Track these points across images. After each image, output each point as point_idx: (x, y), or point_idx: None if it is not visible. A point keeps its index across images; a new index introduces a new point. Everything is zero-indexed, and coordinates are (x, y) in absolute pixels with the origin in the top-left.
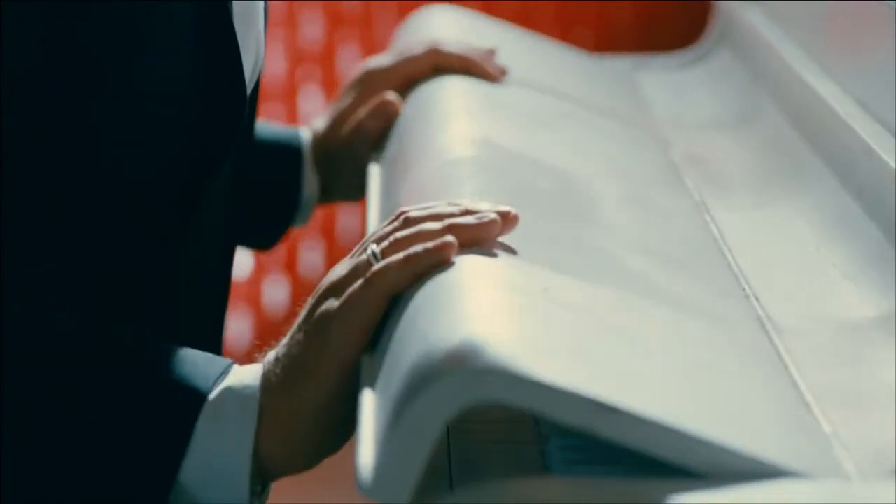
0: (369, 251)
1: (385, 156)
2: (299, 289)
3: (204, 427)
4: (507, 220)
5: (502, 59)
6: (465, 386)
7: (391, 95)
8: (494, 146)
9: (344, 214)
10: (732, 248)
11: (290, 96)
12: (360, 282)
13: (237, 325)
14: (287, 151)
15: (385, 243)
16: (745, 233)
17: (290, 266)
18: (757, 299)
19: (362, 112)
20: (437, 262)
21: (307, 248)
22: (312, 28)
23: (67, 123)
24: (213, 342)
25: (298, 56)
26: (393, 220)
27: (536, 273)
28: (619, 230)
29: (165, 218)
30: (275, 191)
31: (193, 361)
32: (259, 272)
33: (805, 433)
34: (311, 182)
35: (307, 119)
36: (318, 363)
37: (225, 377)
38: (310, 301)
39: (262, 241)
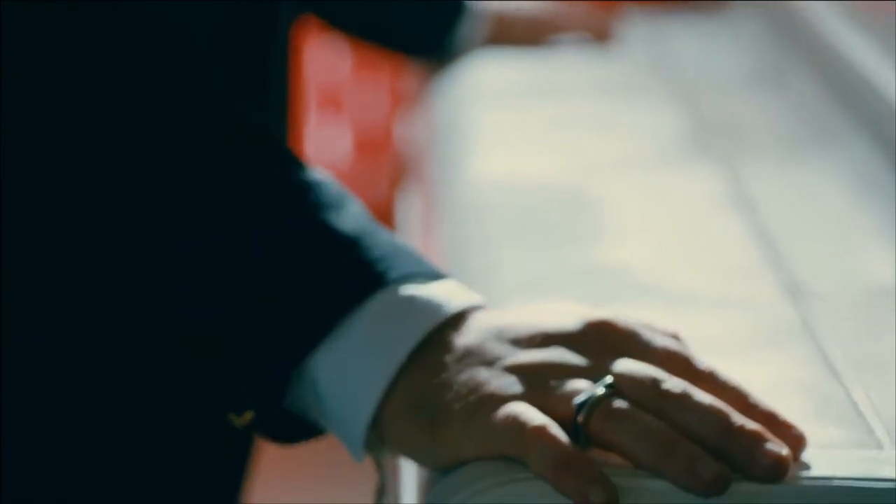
0: (581, 413)
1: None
2: None
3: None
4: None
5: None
6: None
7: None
8: (501, 185)
9: None
10: (761, 211)
11: None
12: (550, 450)
13: None
14: None
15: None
16: (775, 196)
17: None
18: (786, 264)
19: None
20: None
21: None
22: None
23: None
24: None
25: None
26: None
27: None
28: (633, 239)
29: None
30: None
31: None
32: None
33: (835, 403)
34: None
35: None
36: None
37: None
38: (507, 354)
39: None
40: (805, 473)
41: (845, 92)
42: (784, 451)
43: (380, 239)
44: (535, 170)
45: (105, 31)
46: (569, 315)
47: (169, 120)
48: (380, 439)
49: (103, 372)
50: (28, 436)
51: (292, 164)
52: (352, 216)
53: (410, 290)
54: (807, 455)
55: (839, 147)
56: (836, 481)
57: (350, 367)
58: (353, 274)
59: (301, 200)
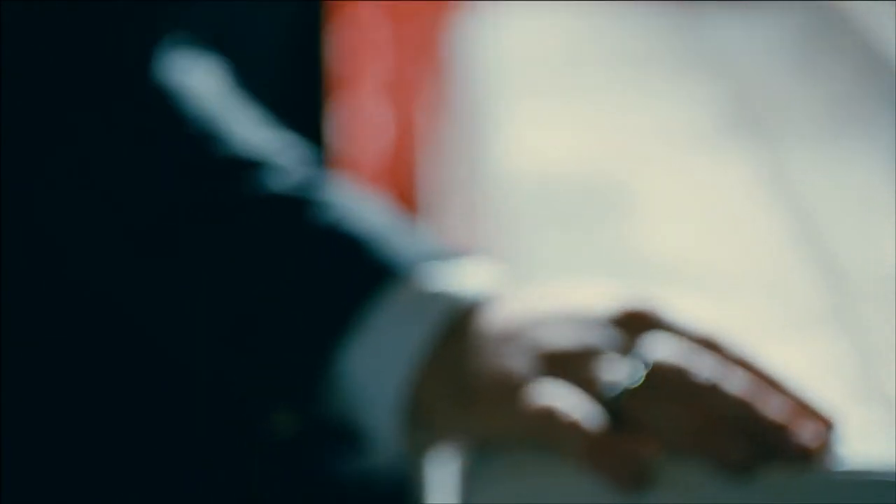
0: (612, 386)
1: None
2: None
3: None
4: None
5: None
6: None
7: None
8: (536, 169)
9: None
10: (797, 195)
11: None
12: (582, 438)
13: None
14: None
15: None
16: (811, 179)
17: None
18: (821, 249)
19: None
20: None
21: None
22: None
23: None
24: None
25: None
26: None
27: None
28: (668, 222)
29: None
30: None
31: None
32: None
33: (866, 388)
34: None
35: None
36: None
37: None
38: (536, 341)
39: None
40: (834, 461)
41: (886, 72)
42: (812, 439)
43: (387, 229)
44: (570, 154)
45: (105, 33)
46: (600, 298)
47: (173, 121)
48: (412, 426)
49: (106, 376)
50: (30, 438)
51: (288, 165)
52: (354, 212)
53: (425, 276)
54: (836, 442)
55: (877, 131)
56: (867, 474)
57: (376, 358)
58: (360, 267)
59: (294, 202)
